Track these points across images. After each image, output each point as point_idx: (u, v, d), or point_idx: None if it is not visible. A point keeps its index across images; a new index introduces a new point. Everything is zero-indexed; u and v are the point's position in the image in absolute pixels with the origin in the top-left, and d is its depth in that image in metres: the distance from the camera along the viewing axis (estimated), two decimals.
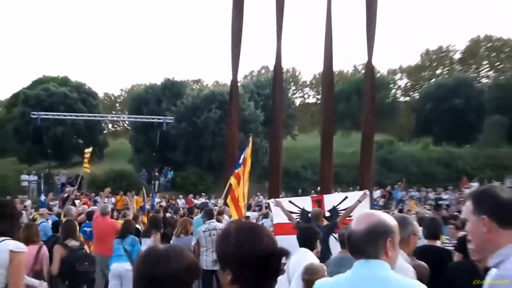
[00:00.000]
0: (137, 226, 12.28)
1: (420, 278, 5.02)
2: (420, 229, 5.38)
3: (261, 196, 28.63)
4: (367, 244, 2.88)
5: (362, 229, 2.91)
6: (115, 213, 16.32)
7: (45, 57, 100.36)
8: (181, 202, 26.50)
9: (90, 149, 20.27)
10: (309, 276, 5.20)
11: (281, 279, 6.04)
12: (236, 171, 12.62)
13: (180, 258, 2.48)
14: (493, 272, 2.69)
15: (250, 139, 13.18)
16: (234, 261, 2.33)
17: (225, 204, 14.91)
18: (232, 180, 12.73)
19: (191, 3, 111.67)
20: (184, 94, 41.83)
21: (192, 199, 27.76)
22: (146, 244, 10.51)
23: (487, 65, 65.01)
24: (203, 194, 30.87)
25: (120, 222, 11.67)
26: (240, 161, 12.72)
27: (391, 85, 64.19)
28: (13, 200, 15.39)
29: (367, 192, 9.76)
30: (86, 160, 19.56)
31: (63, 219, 10.91)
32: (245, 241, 2.34)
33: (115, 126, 68.03)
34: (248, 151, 12.76)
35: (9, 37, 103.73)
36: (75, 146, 41.17)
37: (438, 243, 6.75)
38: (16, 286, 4.57)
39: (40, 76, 48.70)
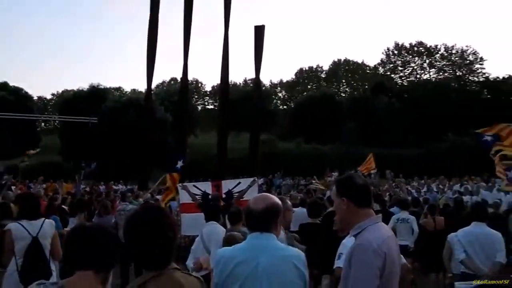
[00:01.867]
0: (64, 207, 11.73)
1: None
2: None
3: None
4: (265, 220, 2.89)
5: (260, 209, 2.90)
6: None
7: None
8: (102, 188, 25.52)
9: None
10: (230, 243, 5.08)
11: (197, 248, 5.96)
12: (174, 174, 12.70)
13: (104, 233, 2.43)
14: (352, 239, 2.89)
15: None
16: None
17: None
18: (168, 177, 12.79)
19: (114, 22, 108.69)
20: (107, 98, 40.69)
21: (112, 186, 26.91)
22: (73, 223, 10.03)
23: (345, 83, 67.28)
24: (121, 181, 30.09)
25: None
26: (179, 167, 12.69)
27: (273, 96, 65.27)
28: None
29: (256, 179, 9.83)
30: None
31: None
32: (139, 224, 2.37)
33: (48, 124, 65.00)
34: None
35: None
36: (13, 141, 39.09)
37: (318, 220, 6.93)
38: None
39: None
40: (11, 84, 46.58)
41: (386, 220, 8.61)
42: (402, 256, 3.36)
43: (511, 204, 12.82)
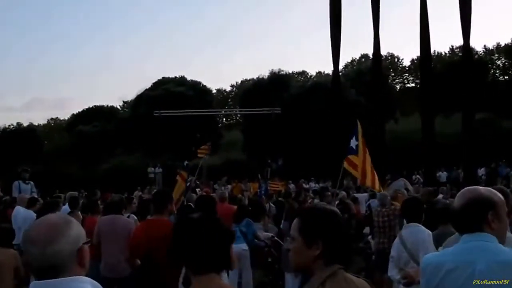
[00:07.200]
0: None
1: None
2: None
3: None
4: (467, 218, 2.76)
5: (461, 205, 2.78)
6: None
7: (164, 60, 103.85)
8: (291, 186, 26.28)
9: (208, 144, 20.98)
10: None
11: (399, 255, 5.91)
12: (350, 157, 11.76)
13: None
14: None
15: (358, 122, 11.98)
16: None
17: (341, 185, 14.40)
18: (345, 165, 11.87)
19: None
20: (290, 85, 41.82)
21: (303, 184, 27.56)
22: (257, 228, 10.52)
23: None
24: (312, 178, 30.58)
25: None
26: (354, 146, 11.75)
27: (489, 65, 61.30)
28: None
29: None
30: (203, 151, 20.22)
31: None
32: None
33: (229, 119, 69.13)
34: (359, 136, 11.65)
35: (135, 47, 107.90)
36: (194, 139, 42.10)
37: None
38: None
39: (160, 77, 50.27)
40: (188, 78, 50.25)
41: None
42: None
43: None
